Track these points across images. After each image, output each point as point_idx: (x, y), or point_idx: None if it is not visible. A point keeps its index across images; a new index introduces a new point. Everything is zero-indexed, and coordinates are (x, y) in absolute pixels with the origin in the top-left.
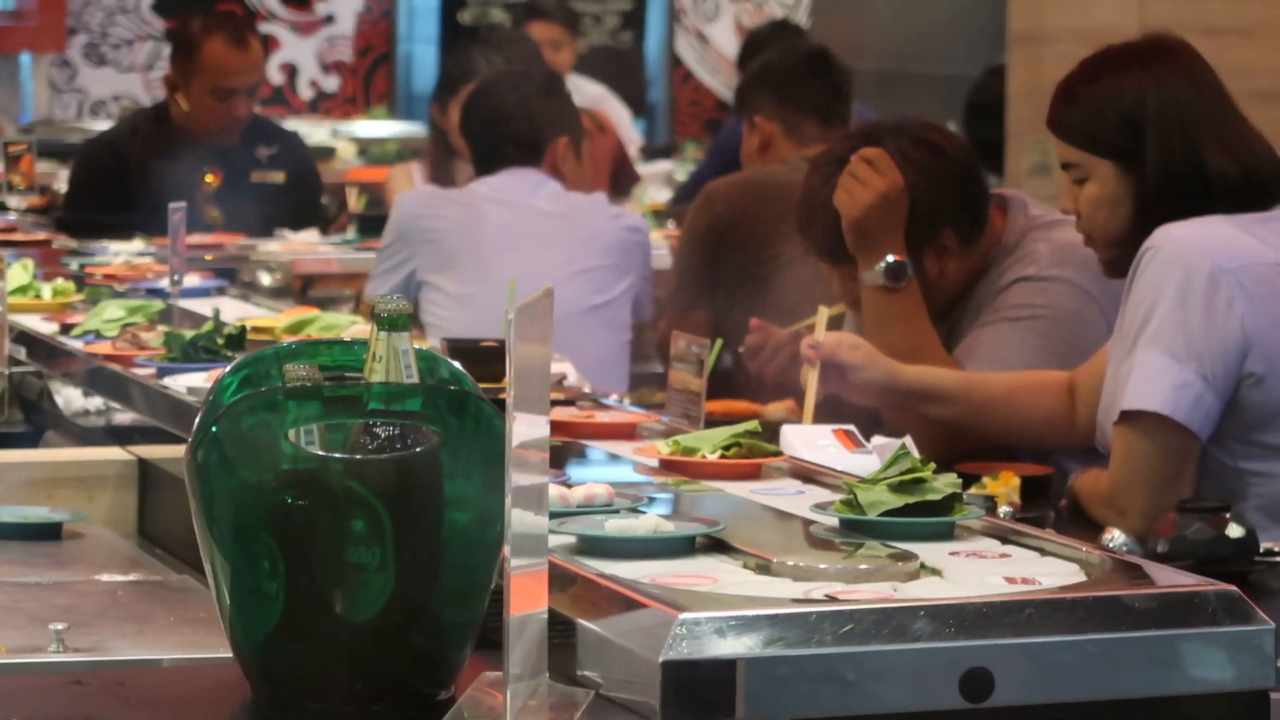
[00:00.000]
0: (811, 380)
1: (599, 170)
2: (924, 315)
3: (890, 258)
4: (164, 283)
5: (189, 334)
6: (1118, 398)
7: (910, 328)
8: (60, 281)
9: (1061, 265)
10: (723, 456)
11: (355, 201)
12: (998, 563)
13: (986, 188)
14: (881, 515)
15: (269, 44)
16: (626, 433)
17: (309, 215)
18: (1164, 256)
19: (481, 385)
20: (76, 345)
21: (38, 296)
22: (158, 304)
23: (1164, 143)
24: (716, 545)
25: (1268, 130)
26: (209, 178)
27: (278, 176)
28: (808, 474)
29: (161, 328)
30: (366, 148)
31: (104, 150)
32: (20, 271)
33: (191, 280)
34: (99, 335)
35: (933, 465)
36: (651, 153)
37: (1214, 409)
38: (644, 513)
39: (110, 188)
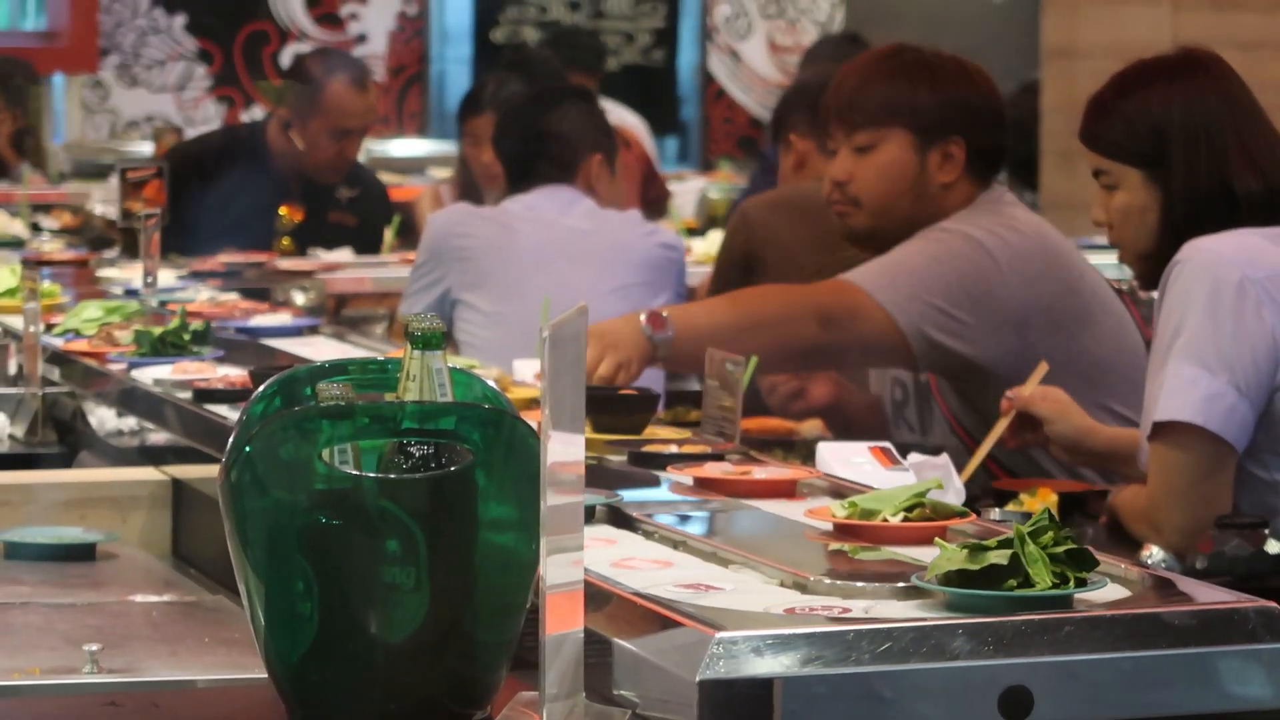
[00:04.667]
0: (999, 425)
1: (630, 187)
2: None
3: None
4: (254, 321)
5: (157, 330)
6: (1151, 411)
7: None
8: (46, 284)
9: (974, 226)
10: (905, 519)
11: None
12: None
13: (1006, 134)
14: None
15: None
16: (787, 490)
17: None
18: (1192, 268)
19: (622, 435)
20: (56, 342)
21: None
22: (133, 304)
23: (1189, 156)
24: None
25: None
26: (285, 210)
27: (351, 220)
28: None
29: (135, 326)
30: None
31: (188, 166)
32: (8, 275)
33: (281, 318)
34: (78, 333)
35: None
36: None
37: (1248, 419)
38: None
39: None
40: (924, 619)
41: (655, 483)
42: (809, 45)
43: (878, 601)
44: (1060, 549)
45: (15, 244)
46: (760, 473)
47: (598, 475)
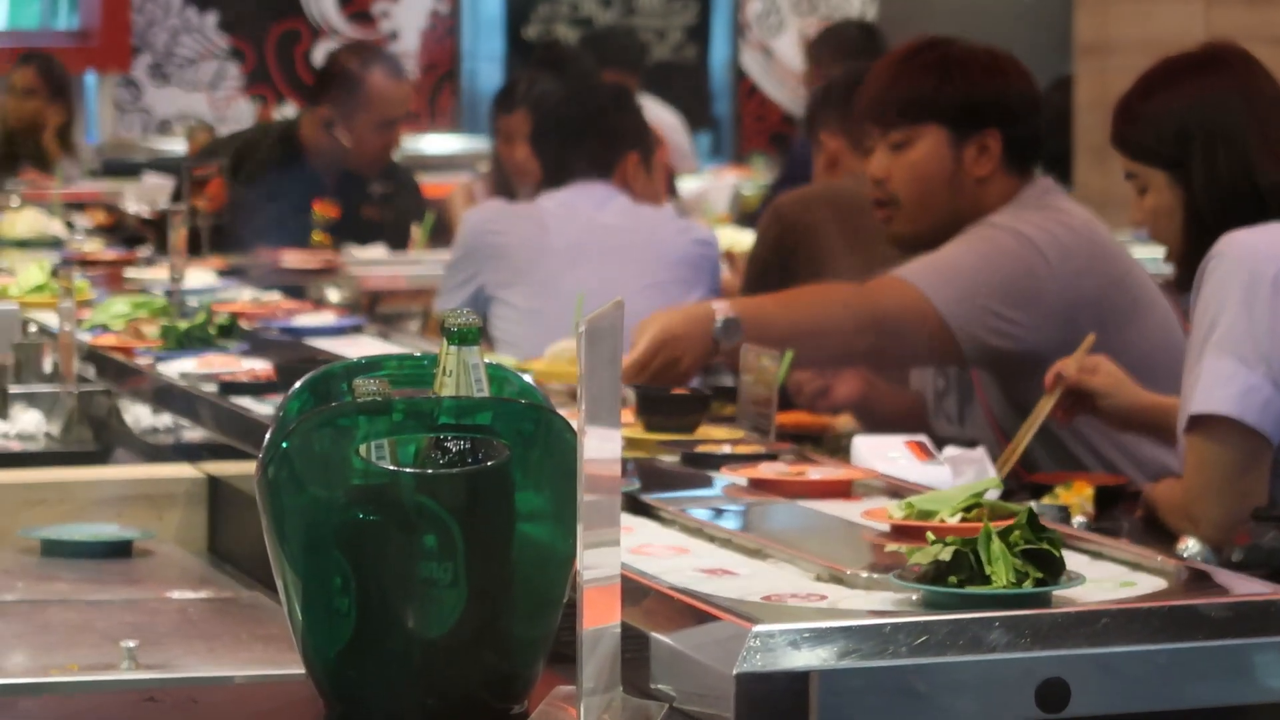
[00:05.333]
0: (1046, 402)
1: (663, 184)
2: None
3: None
4: (296, 320)
5: (183, 325)
6: (1187, 404)
7: None
8: (77, 280)
9: (1024, 222)
10: (963, 520)
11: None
12: None
13: (1042, 123)
14: None
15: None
16: (843, 491)
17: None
18: (1228, 262)
19: (675, 436)
20: (84, 337)
21: (53, 294)
22: (160, 300)
23: (1209, 153)
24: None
25: None
26: (319, 206)
27: (384, 215)
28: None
29: (162, 320)
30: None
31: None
32: (37, 271)
33: (324, 318)
34: (106, 328)
35: None
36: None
37: None
38: None
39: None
40: (906, 612)
41: (709, 483)
42: (818, 33)
43: (856, 591)
44: (1025, 548)
45: (54, 244)
46: (815, 473)
47: (651, 476)
